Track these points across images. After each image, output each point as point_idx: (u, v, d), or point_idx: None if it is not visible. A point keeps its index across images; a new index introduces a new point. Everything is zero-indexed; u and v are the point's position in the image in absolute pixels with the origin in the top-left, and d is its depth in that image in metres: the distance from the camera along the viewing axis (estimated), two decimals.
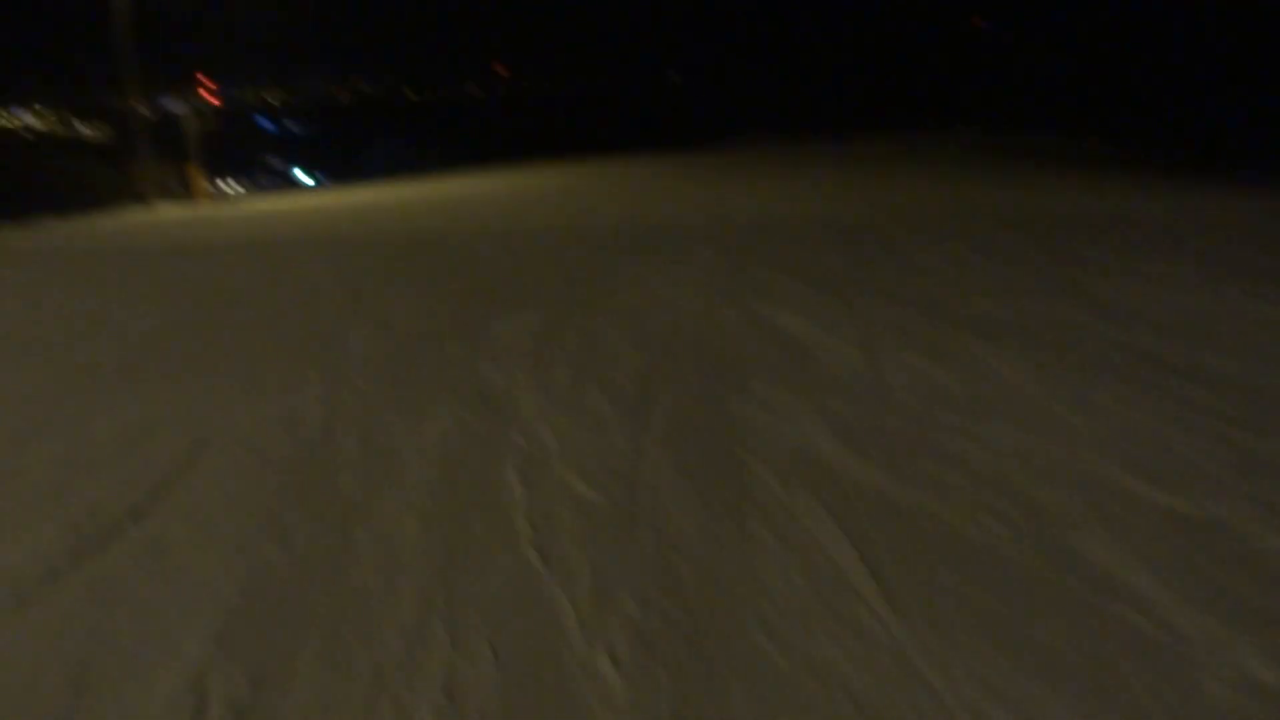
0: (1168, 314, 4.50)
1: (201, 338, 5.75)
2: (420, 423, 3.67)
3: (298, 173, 44.53)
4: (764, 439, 3.23)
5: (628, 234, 9.22)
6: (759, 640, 2.00)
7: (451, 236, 10.45)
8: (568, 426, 3.51)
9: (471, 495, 2.94)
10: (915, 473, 2.82)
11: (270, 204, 20.94)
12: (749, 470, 2.96)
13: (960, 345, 4.16)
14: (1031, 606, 2.02)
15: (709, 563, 2.37)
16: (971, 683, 1.78)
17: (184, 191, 21.08)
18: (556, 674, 1.95)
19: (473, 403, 3.90)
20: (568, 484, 2.97)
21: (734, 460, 3.06)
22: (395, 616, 2.23)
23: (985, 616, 2.00)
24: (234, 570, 2.52)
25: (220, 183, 35.56)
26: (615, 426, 3.47)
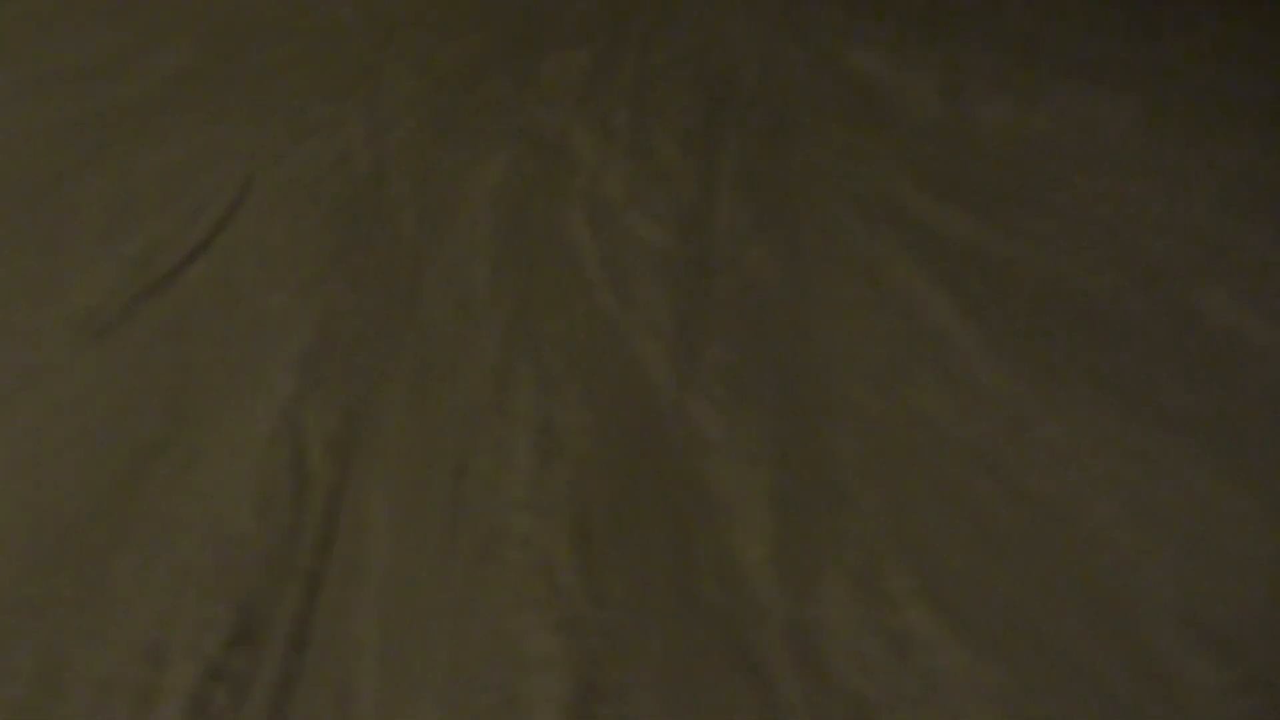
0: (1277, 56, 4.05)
1: (229, 76, 5.41)
2: (474, 165, 3.47)
3: None
4: (843, 185, 3.02)
5: None
6: (856, 389, 1.93)
7: None
8: (632, 172, 3.30)
9: (538, 241, 2.81)
10: (1010, 221, 2.64)
11: None
12: (830, 217, 2.79)
13: (1055, 87, 3.79)
14: (1150, 362, 1.92)
15: (797, 311, 2.27)
16: (1091, 436, 1.72)
17: None
18: (649, 416, 1.91)
19: (528, 146, 3.66)
20: (638, 231, 2.82)
21: (813, 207, 2.87)
22: (478, 358, 2.17)
23: (1100, 372, 1.91)
24: (308, 308, 2.46)
25: None
26: (683, 172, 3.26)
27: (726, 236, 2.71)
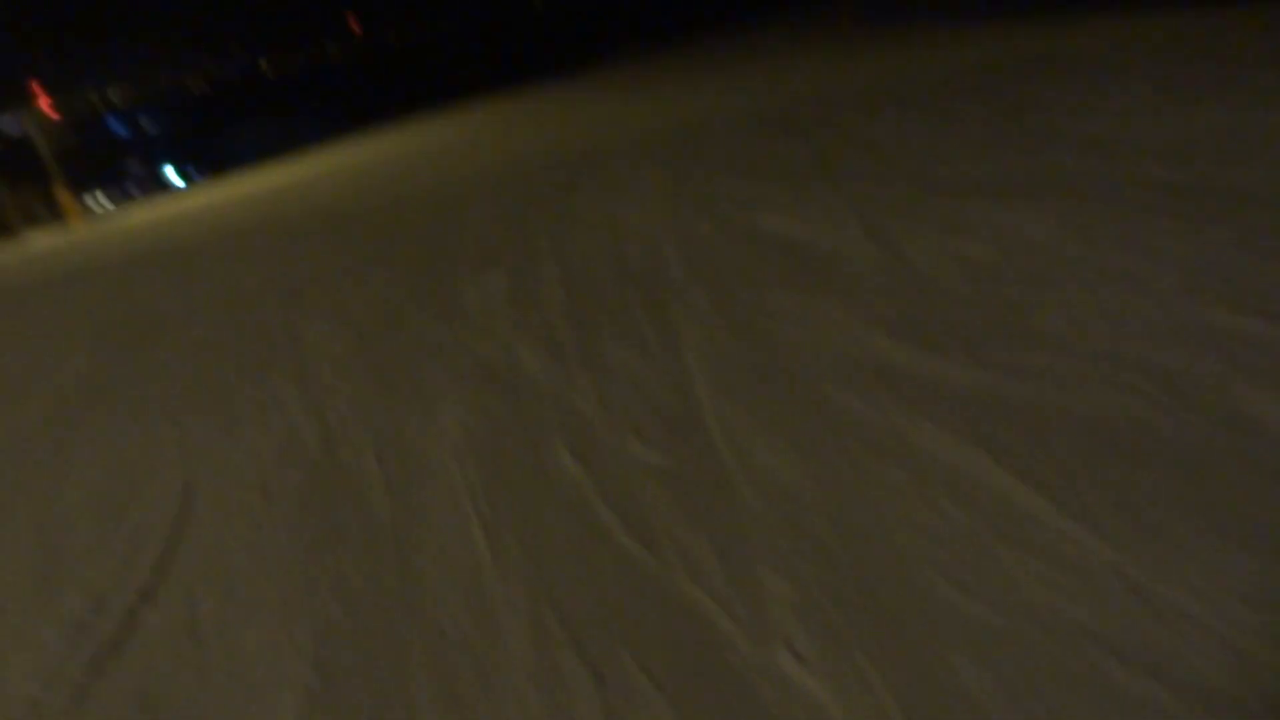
0: (1159, 140, 4.29)
1: (143, 372, 5.12)
2: (433, 418, 3.24)
3: (168, 173, 41.58)
4: (819, 356, 2.90)
5: (556, 167, 8.66)
6: (957, 599, 1.70)
7: (365, 207, 9.72)
8: (598, 387, 3.13)
9: (530, 490, 2.56)
10: (1006, 360, 2.54)
11: (150, 212, 19.41)
12: (821, 394, 2.64)
13: (971, 212, 3.88)
14: (1234, 485, 1.77)
15: (843, 514, 2.06)
16: (1224, 596, 1.52)
17: (53, 216, 19.41)
18: (739, 691, 1.63)
19: (479, 384, 3.47)
20: (630, 453, 2.61)
21: (801, 387, 2.73)
22: (512, 657, 1.86)
23: (1189, 509, 1.74)
24: (296, 640, 2.11)
25: (87, 199, 32.93)
26: (650, 376, 3.10)
27: (726, 442, 2.52)
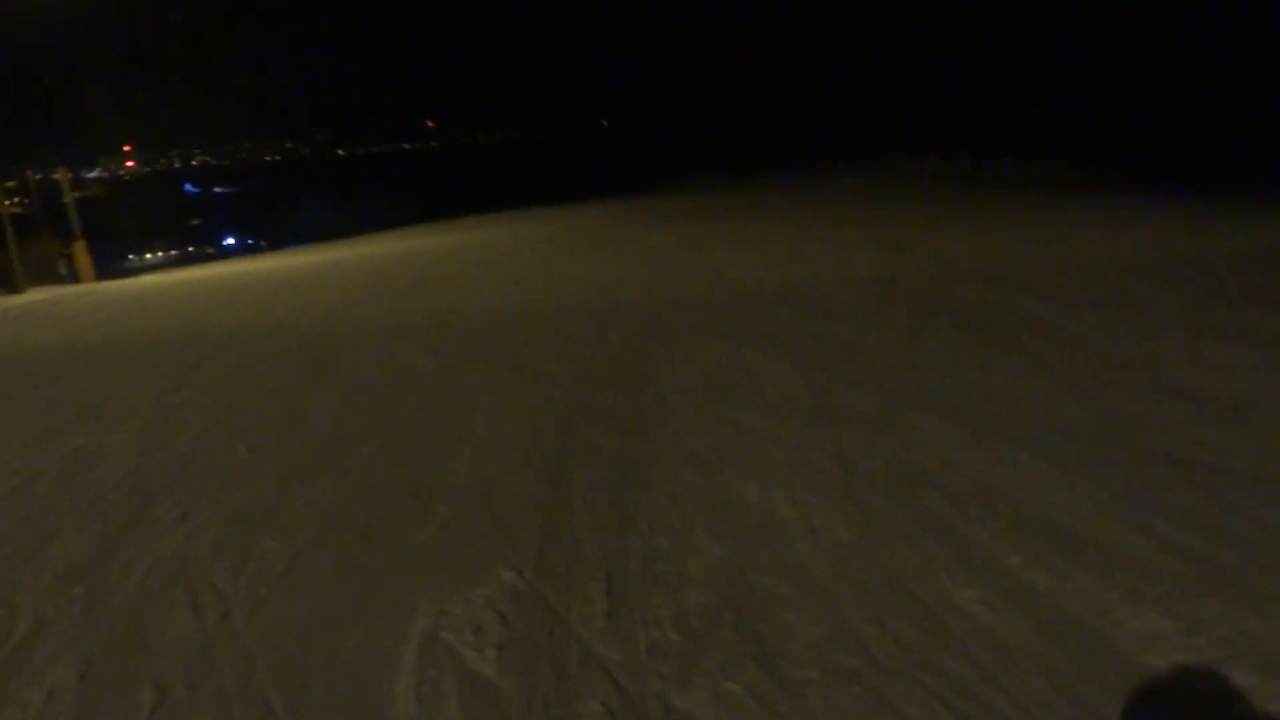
0: None
1: None
2: None
3: (227, 239, 40.36)
4: None
5: (630, 318, 6.11)
6: None
7: (380, 328, 7.13)
8: None
9: None
10: None
11: (172, 277, 17.31)
12: None
13: None
14: None
15: None
16: None
17: (66, 271, 17.41)
18: None
19: None
20: None
21: None
22: None
23: None
24: None
25: (135, 254, 31.43)
26: None
27: None
